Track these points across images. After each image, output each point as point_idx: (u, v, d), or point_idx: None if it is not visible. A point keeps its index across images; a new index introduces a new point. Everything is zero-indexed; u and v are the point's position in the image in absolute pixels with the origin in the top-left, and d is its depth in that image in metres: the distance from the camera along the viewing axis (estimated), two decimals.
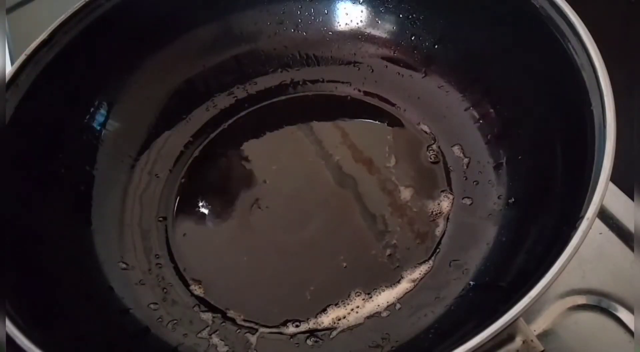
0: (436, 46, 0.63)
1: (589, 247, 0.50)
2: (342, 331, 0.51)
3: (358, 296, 0.52)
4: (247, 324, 0.52)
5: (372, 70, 0.66)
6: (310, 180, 0.61)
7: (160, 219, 0.60)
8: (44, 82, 0.56)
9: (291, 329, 0.51)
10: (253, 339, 0.51)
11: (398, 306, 0.52)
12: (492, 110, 0.59)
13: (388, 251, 0.55)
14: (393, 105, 0.65)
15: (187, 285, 0.55)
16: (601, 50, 0.46)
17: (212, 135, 0.66)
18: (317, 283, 0.53)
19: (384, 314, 0.51)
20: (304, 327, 0.51)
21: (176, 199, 0.62)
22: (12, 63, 0.56)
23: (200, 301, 0.54)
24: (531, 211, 0.51)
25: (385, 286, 0.52)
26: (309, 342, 0.50)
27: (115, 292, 0.54)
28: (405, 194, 0.58)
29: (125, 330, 0.52)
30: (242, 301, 0.54)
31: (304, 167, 0.62)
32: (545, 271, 0.39)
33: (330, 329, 0.51)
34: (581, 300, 0.55)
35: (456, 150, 0.60)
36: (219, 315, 0.53)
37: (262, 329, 0.52)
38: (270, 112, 0.67)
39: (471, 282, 0.51)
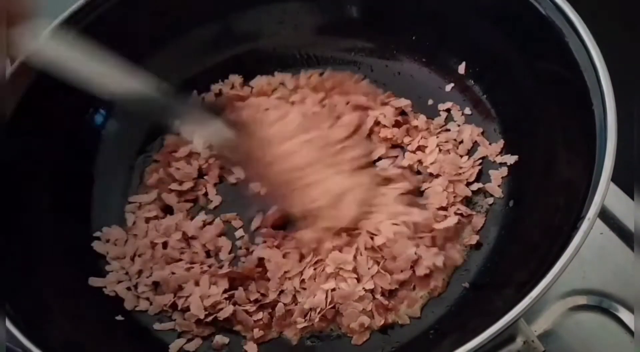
0: (437, 46, 0.63)
1: (589, 247, 0.50)
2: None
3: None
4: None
5: (372, 70, 0.66)
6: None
7: None
8: (43, 82, 0.56)
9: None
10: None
11: None
12: (492, 109, 0.59)
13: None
14: None
15: None
16: (602, 50, 0.46)
17: None
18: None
19: None
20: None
21: None
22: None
23: None
24: (532, 212, 0.51)
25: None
26: (309, 342, 0.50)
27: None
28: None
29: (125, 330, 0.51)
30: None
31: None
32: (546, 271, 0.39)
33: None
34: (582, 300, 0.55)
35: None
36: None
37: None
38: None
39: (472, 283, 0.50)
